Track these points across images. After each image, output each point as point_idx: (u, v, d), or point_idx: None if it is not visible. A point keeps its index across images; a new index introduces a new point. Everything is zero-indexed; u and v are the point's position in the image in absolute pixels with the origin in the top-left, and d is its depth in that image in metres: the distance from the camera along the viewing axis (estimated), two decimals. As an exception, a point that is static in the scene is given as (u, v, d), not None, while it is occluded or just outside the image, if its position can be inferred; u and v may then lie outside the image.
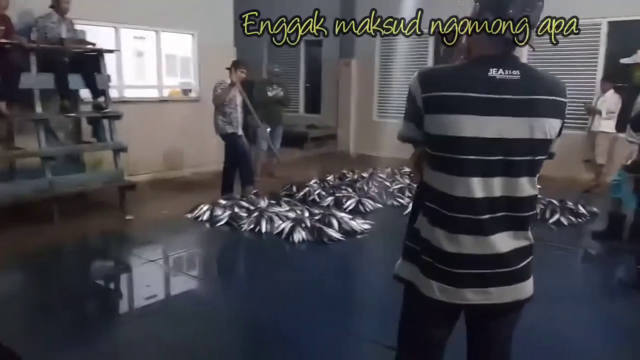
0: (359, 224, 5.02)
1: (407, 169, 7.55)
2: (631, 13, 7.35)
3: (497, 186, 1.50)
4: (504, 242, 1.54)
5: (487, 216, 1.51)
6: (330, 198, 5.95)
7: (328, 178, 6.94)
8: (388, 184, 6.64)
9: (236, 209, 5.35)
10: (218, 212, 5.34)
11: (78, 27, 5.94)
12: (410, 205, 5.32)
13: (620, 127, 7.11)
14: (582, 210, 5.52)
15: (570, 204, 5.59)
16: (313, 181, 6.62)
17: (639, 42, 7.27)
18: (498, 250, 1.53)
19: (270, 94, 7.59)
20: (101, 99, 5.91)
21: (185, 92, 8.26)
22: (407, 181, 6.77)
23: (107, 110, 5.90)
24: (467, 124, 1.46)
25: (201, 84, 7.99)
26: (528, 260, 1.61)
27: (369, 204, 5.79)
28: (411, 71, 9.63)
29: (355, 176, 7.03)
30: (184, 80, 8.06)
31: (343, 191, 6.19)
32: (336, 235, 4.75)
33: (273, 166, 8.00)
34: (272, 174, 7.90)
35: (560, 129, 1.56)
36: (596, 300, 3.68)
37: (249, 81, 9.07)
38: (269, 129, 7.66)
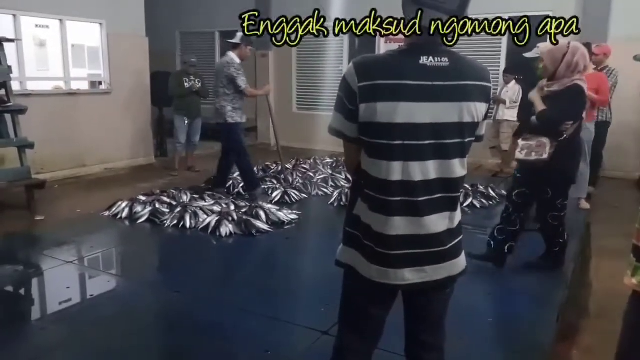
0: (286, 215, 5.05)
1: (329, 160, 7.71)
2: (530, 9, 7.92)
3: (431, 169, 1.58)
4: (438, 222, 1.62)
5: (423, 198, 1.58)
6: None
7: (251, 170, 6.89)
8: (312, 174, 6.71)
9: (157, 205, 5.18)
10: (138, 208, 5.14)
11: (-29, 13, 5.44)
12: (343, 193, 5.42)
13: (523, 115, 7.68)
14: (492, 193, 5.91)
15: (481, 188, 5.97)
16: (236, 174, 6.54)
17: (537, 37, 7.92)
18: (433, 230, 1.61)
19: (187, 84, 7.38)
20: (2, 92, 5.46)
21: (97, 84, 7.84)
22: (330, 171, 6.88)
23: (9, 104, 5.46)
24: (401, 110, 1.52)
25: (112, 76, 7.61)
26: (459, 238, 1.71)
27: (295, 195, 5.83)
28: (329, 63, 9.82)
29: (279, 168, 7.03)
30: (93, 71, 7.61)
31: (268, 183, 6.18)
32: (264, 226, 4.74)
33: (193, 160, 7.81)
34: (192, 168, 7.72)
35: (486, 113, 1.67)
36: (509, 273, 3.96)
37: (162, 72, 8.82)
38: (186, 121, 7.47)
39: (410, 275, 1.63)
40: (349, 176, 6.42)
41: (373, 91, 1.54)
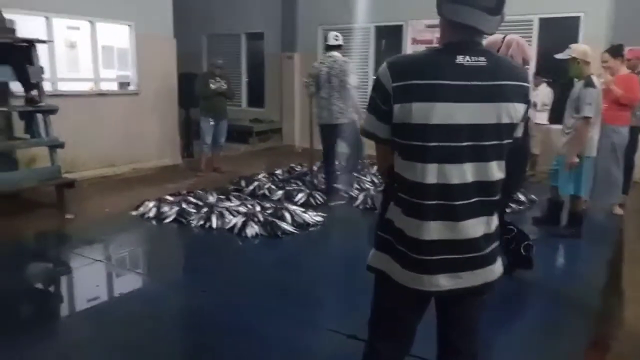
0: (311, 217, 5.03)
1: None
2: (560, 10, 7.77)
3: (468, 171, 1.54)
4: (475, 227, 1.58)
5: (460, 202, 1.54)
6: (280, 192, 5.91)
7: (277, 172, 6.90)
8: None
9: (184, 205, 5.21)
10: (165, 208, 5.18)
11: (6, 15, 5.55)
12: (368, 196, 5.39)
13: (552, 119, 7.52)
14: (522, 198, 5.79)
15: (511, 192, 5.85)
16: (262, 175, 6.57)
17: (567, 38, 7.75)
18: (470, 235, 1.57)
19: (213, 86, 7.42)
20: (34, 92, 5.57)
21: (123, 85, 7.95)
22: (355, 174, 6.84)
23: (41, 104, 5.57)
24: (437, 111, 1.49)
25: (140, 77, 7.71)
26: (496, 243, 1.67)
27: (320, 197, 5.80)
28: (354, 64, 9.76)
29: (305, 169, 7.02)
30: (121, 72, 7.72)
31: (293, 185, 6.17)
32: (290, 228, 4.73)
33: (219, 161, 7.85)
34: (217, 169, 7.75)
35: (524, 114, 1.61)
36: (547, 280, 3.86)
37: (190, 74, 8.91)
38: (212, 123, 7.52)
39: (445, 282, 1.59)
40: (374, 179, 6.37)
41: (408, 91, 1.50)
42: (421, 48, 9.21)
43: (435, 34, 8.77)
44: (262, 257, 4.35)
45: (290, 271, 4.04)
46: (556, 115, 7.56)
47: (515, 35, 3.37)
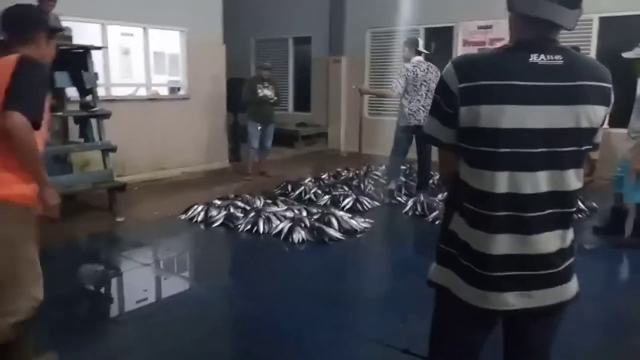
0: (358, 223, 4.91)
1: (402, 167, 7.47)
2: (621, 9, 7.36)
3: (543, 180, 1.40)
4: (549, 241, 1.44)
5: (533, 214, 1.41)
6: (326, 197, 5.82)
7: (323, 176, 6.83)
8: (384, 181, 6.54)
9: (232, 210, 5.20)
10: (213, 212, 5.19)
11: (63, 23, 5.73)
12: (418, 202, 5.20)
13: (613, 122, 7.12)
14: (581, 205, 5.47)
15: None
16: (308, 180, 6.50)
17: (628, 37, 7.34)
18: (543, 251, 1.43)
19: (260, 93, 7.43)
20: (89, 98, 5.71)
21: (176, 90, 8.09)
22: (403, 179, 6.68)
23: (95, 109, 5.71)
24: (509, 114, 1.36)
25: (190, 82, 7.82)
26: (572, 259, 1.52)
27: (367, 202, 5.68)
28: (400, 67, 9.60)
29: (351, 174, 6.92)
30: (172, 78, 7.86)
31: (339, 189, 6.07)
32: (337, 234, 4.63)
33: (265, 165, 7.85)
34: (264, 173, 7.75)
35: (604, 117, 1.46)
36: (606, 297, 3.61)
37: (238, 79, 8.98)
38: (259, 127, 7.52)
39: (514, 300, 1.45)
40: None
41: (476, 93, 1.38)
42: (473, 50, 8.97)
43: (488, 35, 8.52)
44: (309, 263, 4.26)
45: (337, 279, 3.95)
46: (616, 118, 7.17)
47: None
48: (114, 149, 5.77)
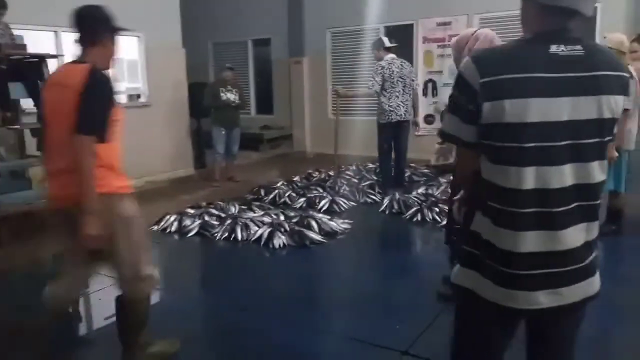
0: (338, 224, 4.86)
1: (371, 165, 7.49)
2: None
3: (568, 174, 1.37)
4: (576, 235, 1.41)
5: (560, 209, 1.38)
6: (302, 199, 5.75)
7: (295, 179, 6.74)
8: (356, 180, 6.52)
9: (206, 218, 5.06)
10: (187, 222, 5.02)
11: (15, 32, 5.43)
12: (394, 200, 5.15)
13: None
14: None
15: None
16: (280, 183, 6.40)
17: (584, 29, 7.59)
18: (571, 245, 1.41)
19: (224, 96, 7.27)
20: (47, 109, 5.42)
21: (133, 97, 7.81)
22: (374, 177, 6.68)
23: (54, 120, 5.42)
24: (532, 108, 1.33)
25: (150, 89, 7.57)
26: (595, 252, 1.50)
27: (343, 203, 5.64)
28: (364, 65, 9.63)
29: (323, 175, 6.86)
30: (131, 85, 7.59)
31: (314, 191, 6.01)
32: (318, 237, 4.56)
33: (233, 170, 7.69)
34: (232, 178, 7.60)
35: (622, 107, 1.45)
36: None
37: (199, 83, 8.78)
38: (224, 132, 7.37)
39: (544, 299, 1.41)
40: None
41: (499, 87, 1.34)
42: (433, 46, 9.11)
43: (448, 32, 8.62)
44: (292, 268, 4.16)
45: (324, 282, 3.89)
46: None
47: (486, 29, 3.16)
48: (76, 162, 5.50)
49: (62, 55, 6.20)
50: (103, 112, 2.33)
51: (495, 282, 1.44)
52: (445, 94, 8.65)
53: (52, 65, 5.76)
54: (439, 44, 8.77)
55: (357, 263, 4.28)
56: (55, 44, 6.38)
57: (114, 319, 2.78)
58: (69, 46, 6.89)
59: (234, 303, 3.50)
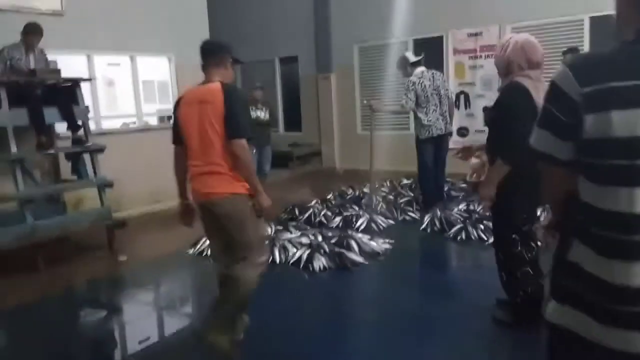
0: (379, 244, 4.68)
1: (405, 181, 7.29)
2: (611, 8, 7.34)
3: None
4: None
5: None
6: (338, 218, 5.58)
7: (329, 197, 6.58)
8: (393, 197, 6.33)
9: (242, 240, 4.92)
10: (223, 244, 4.89)
11: (49, 57, 5.45)
12: (436, 217, 4.90)
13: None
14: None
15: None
16: (314, 201, 6.25)
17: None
18: None
19: (253, 114, 7.19)
20: (81, 132, 5.42)
21: (165, 118, 7.81)
22: (411, 193, 6.48)
23: (88, 144, 5.41)
24: None
25: (181, 109, 7.56)
26: None
27: (381, 221, 5.46)
28: (391, 80, 9.50)
29: (357, 192, 6.69)
30: (162, 106, 7.59)
31: (350, 210, 5.83)
32: (359, 258, 4.38)
33: (265, 189, 7.56)
34: (264, 198, 7.47)
35: None
36: None
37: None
38: (255, 150, 7.27)
39: None
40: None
41: (604, 97, 1.18)
42: (464, 58, 8.91)
43: (479, 42, 8.43)
44: (334, 292, 3.98)
45: (368, 307, 3.67)
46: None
47: (521, 34, 2.96)
48: (110, 185, 5.48)
49: (94, 79, 6.24)
50: (248, 118, 2.86)
51: (602, 322, 1.26)
52: (478, 105, 8.44)
53: (85, 88, 5.79)
54: (470, 55, 8.58)
55: (402, 286, 4.07)
56: (87, 67, 6.40)
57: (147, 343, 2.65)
58: (101, 68, 7.02)
59: (274, 327, 3.35)
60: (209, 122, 2.70)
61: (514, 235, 2.90)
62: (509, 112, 2.83)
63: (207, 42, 3.03)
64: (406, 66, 5.93)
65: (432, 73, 5.87)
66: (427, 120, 5.68)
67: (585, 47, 7.60)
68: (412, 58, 5.97)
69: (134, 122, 7.30)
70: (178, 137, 2.91)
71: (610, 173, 1.21)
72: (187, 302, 4.25)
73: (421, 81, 5.71)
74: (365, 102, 6.43)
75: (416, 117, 5.78)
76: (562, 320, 1.36)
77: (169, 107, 7.59)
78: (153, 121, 7.68)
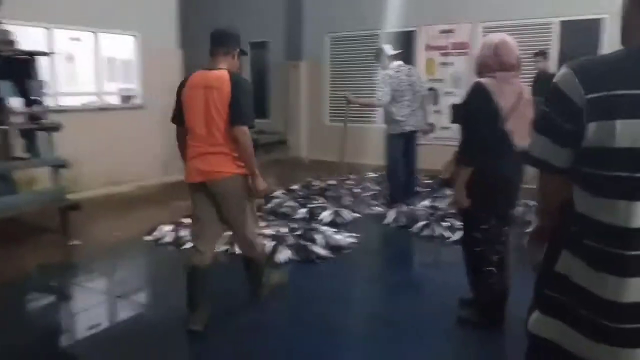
0: (344, 238, 4.61)
1: (372, 174, 7.27)
2: (582, 12, 7.47)
3: None
4: None
5: None
6: (303, 210, 5.49)
7: (294, 187, 6.48)
8: (359, 190, 6.29)
9: (204, 228, 4.77)
10: (183, 232, 4.74)
11: (5, 27, 5.12)
12: (401, 212, 4.87)
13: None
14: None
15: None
16: (279, 191, 6.14)
17: (589, 41, 7.48)
18: None
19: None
20: (36, 108, 5.12)
21: (126, 98, 7.53)
22: (378, 187, 6.45)
23: (43, 121, 5.13)
24: None
25: (145, 90, 7.29)
26: None
27: (347, 214, 5.39)
28: (362, 72, 9.44)
29: (323, 184, 6.62)
30: (125, 86, 7.31)
31: (314, 201, 5.75)
32: (324, 252, 4.31)
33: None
34: (227, 185, 7.32)
35: None
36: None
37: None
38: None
39: None
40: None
41: (609, 105, 1.13)
42: (435, 54, 8.93)
43: (450, 40, 8.46)
44: (299, 286, 3.83)
45: (333, 302, 3.55)
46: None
47: (499, 35, 2.88)
48: (65, 165, 5.21)
49: (53, 53, 5.92)
50: (251, 106, 2.99)
51: (590, 337, 1.22)
52: (446, 102, 8.49)
53: (43, 63, 5.48)
54: (442, 51, 8.61)
55: (367, 282, 4.02)
56: (46, 41, 6.07)
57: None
58: (62, 43, 6.68)
59: (238, 322, 3.25)
60: (215, 106, 2.87)
61: (475, 234, 2.88)
62: (468, 114, 2.81)
63: (220, 31, 3.11)
64: (383, 58, 5.84)
65: (409, 68, 5.82)
66: (400, 115, 5.59)
67: (554, 50, 7.72)
68: (390, 51, 5.88)
69: (93, 102, 6.99)
70: (179, 118, 3.07)
71: (608, 184, 1.16)
72: (140, 291, 4.07)
73: (398, 75, 5.63)
74: (343, 95, 6.31)
75: (388, 111, 5.69)
76: (545, 331, 1.32)
77: (131, 86, 7.34)
78: (115, 100, 7.37)
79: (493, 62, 2.75)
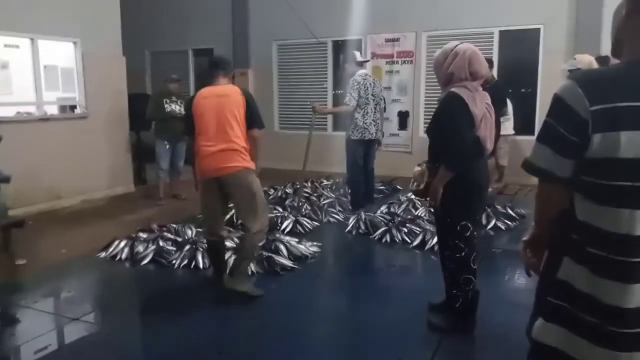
0: (307, 247, 4.58)
1: (326, 182, 7.27)
2: (520, 22, 7.84)
3: None
4: None
5: None
6: (261, 220, 5.40)
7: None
8: (315, 198, 6.28)
9: (161, 243, 4.61)
10: (139, 248, 4.55)
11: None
12: (361, 220, 4.89)
13: (519, 130, 7.55)
14: (512, 213, 5.64)
15: (500, 208, 5.69)
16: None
17: (527, 50, 7.86)
18: None
19: (168, 108, 6.83)
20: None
21: (67, 108, 7.16)
22: (333, 195, 6.47)
23: (-20, 134, 4.79)
24: None
25: (88, 99, 6.97)
26: None
27: (307, 223, 5.36)
28: (312, 78, 9.47)
29: (279, 193, 6.56)
30: (67, 95, 6.94)
31: (274, 211, 5.68)
32: (288, 263, 4.26)
33: (177, 187, 7.20)
34: (177, 196, 7.13)
35: None
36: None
37: (140, 94, 8.23)
38: (168, 146, 6.91)
39: None
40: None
41: (614, 117, 1.17)
42: (381, 62, 9.08)
43: (396, 48, 8.64)
44: (266, 298, 3.74)
45: (302, 314, 3.52)
46: (523, 126, 7.62)
47: (468, 45, 2.93)
48: (7, 179, 4.89)
49: None
50: (259, 113, 3.75)
51: (594, 342, 1.26)
52: (393, 110, 8.65)
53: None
54: (388, 60, 8.78)
55: (334, 290, 4.02)
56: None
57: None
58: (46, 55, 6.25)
59: (202, 337, 3.14)
60: (229, 109, 3.51)
61: (457, 242, 2.93)
62: (448, 123, 2.86)
63: (219, 59, 4.03)
64: (351, 63, 5.99)
65: (374, 79, 5.99)
66: (363, 122, 5.72)
67: (495, 58, 8.05)
68: (360, 58, 6.06)
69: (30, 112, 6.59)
70: (191, 129, 3.66)
71: (612, 193, 1.21)
72: (93, 311, 3.83)
73: (364, 82, 5.76)
74: (310, 105, 6.47)
75: (353, 117, 5.76)
76: (549, 338, 1.35)
77: (72, 95, 6.99)
78: (54, 110, 6.99)
79: (465, 73, 2.82)
